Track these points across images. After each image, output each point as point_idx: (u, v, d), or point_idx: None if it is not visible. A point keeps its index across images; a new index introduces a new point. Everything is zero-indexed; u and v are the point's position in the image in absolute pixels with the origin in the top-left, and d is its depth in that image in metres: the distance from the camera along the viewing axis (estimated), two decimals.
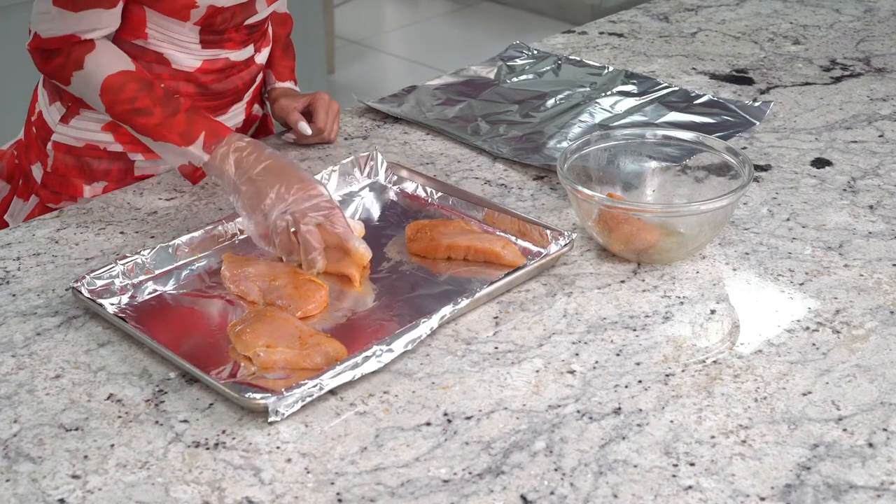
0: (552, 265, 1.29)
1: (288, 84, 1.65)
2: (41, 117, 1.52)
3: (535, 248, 1.32)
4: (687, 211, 1.28)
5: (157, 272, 1.29)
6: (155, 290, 1.26)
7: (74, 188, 1.50)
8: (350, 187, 1.48)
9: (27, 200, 1.56)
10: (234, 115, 1.56)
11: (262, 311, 1.19)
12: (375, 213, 1.43)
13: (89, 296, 1.22)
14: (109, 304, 1.22)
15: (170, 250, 1.30)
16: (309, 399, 1.06)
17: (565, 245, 1.28)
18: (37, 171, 1.53)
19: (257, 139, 1.40)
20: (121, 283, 1.26)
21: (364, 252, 1.27)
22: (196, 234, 1.33)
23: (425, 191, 1.45)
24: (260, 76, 1.59)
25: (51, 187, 1.51)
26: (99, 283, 1.24)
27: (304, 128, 1.57)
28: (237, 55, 1.50)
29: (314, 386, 1.07)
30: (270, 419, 1.04)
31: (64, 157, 1.49)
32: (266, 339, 1.14)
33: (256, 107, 1.64)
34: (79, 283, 1.23)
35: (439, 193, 1.43)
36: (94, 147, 1.48)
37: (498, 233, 1.35)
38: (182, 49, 1.44)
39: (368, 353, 1.10)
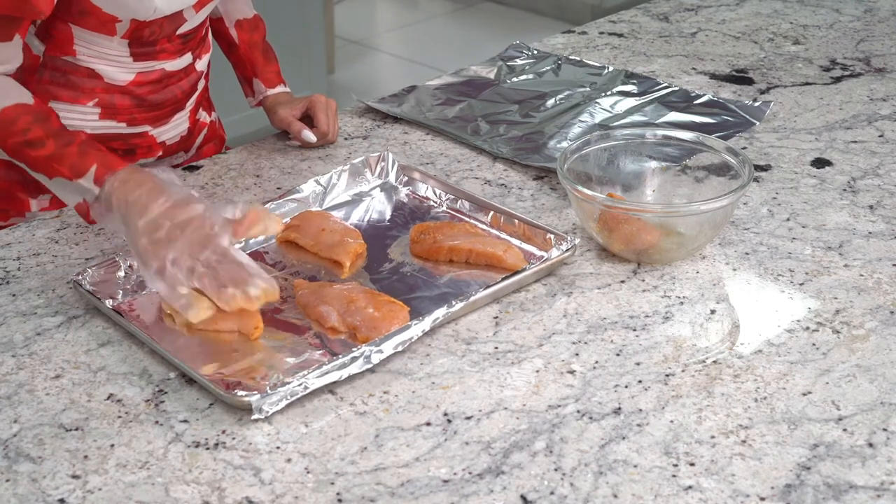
0: (553, 270, 1.29)
1: (279, 89, 1.64)
2: None
3: (538, 252, 1.32)
4: (687, 211, 1.28)
5: None
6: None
7: (21, 203, 1.48)
8: (360, 187, 1.48)
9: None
10: (177, 125, 1.53)
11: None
12: (384, 213, 1.43)
13: (90, 289, 1.22)
14: (110, 299, 1.22)
15: None
16: (294, 398, 1.06)
17: (567, 250, 1.28)
18: None
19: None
20: (123, 277, 1.26)
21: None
22: None
23: (434, 193, 1.45)
24: (202, 83, 1.55)
25: (1, 206, 1.49)
26: (100, 277, 1.25)
27: (309, 136, 1.57)
28: (173, 65, 1.45)
29: (299, 385, 1.07)
30: (254, 417, 1.05)
31: (7, 172, 1.46)
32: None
33: (202, 113, 1.61)
34: (80, 277, 1.23)
35: (448, 196, 1.43)
36: None
37: (503, 236, 1.35)
38: (113, 63, 1.40)
39: (357, 353, 1.10)
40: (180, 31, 1.42)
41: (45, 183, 1.34)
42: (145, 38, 1.39)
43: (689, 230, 1.29)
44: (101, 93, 1.42)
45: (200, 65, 1.52)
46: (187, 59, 1.48)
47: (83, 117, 1.43)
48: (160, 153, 1.53)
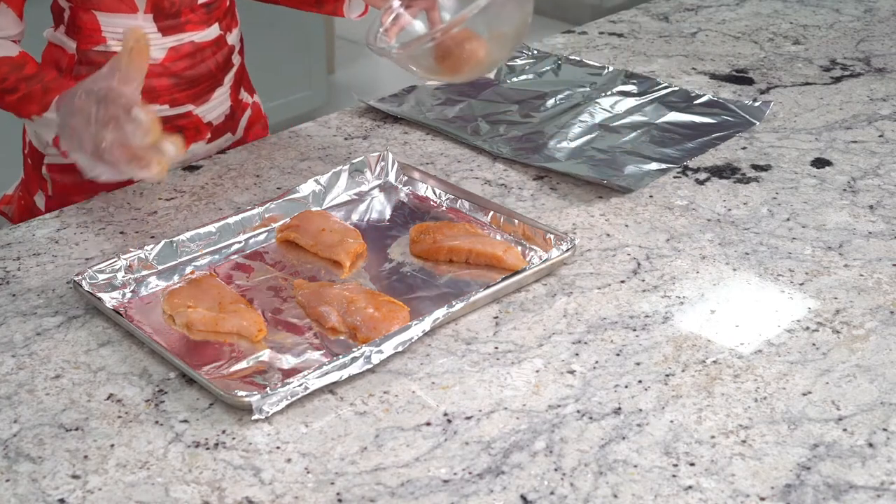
0: (553, 270, 1.29)
1: None
2: (31, 146, 1.52)
3: (539, 252, 1.32)
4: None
5: (160, 268, 1.29)
6: (157, 286, 1.27)
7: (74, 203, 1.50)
8: (360, 187, 1.48)
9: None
10: (220, 103, 1.55)
11: (200, 278, 1.23)
12: (384, 213, 1.43)
13: (90, 290, 1.22)
14: (110, 299, 1.22)
15: (173, 246, 1.31)
16: (294, 398, 1.06)
17: (567, 250, 1.28)
18: (39, 200, 1.53)
19: (255, 138, 1.38)
20: (123, 277, 1.26)
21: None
22: (201, 230, 1.33)
23: (434, 192, 1.45)
24: (237, 59, 1.58)
25: (57, 198, 1.51)
26: (101, 277, 1.25)
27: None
28: (201, 36, 1.48)
29: (299, 385, 1.07)
30: (254, 417, 1.05)
31: (62, 177, 1.48)
32: (190, 301, 1.19)
33: (245, 94, 1.63)
34: (80, 277, 1.23)
35: (448, 195, 1.43)
36: None
37: (502, 236, 1.35)
38: None
39: (357, 353, 1.11)
40: (201, 0, 1.45)
41: (27, 125, 1.40)
42: (167, 10, 1.42)
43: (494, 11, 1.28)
44: None
45: (231, 38, 1.54)
46: (215, 30, 1.50)
47: None
48: (209, 135, 1.55)
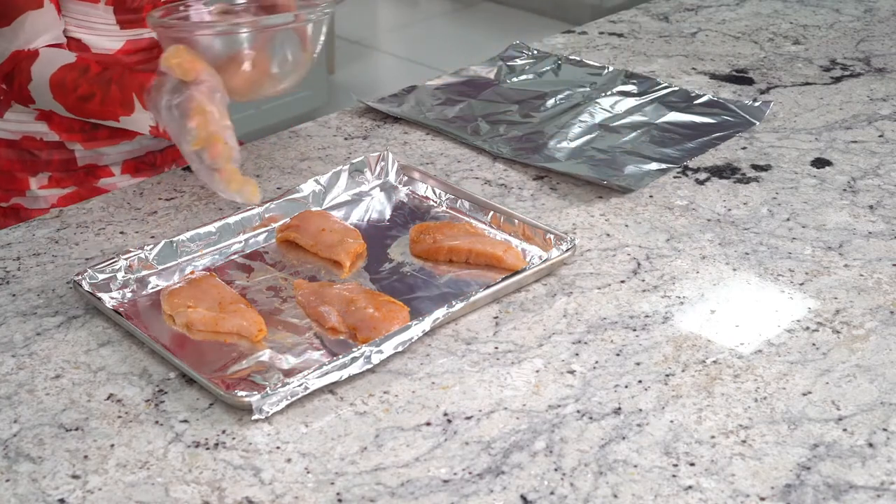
0: (553, 270, 1.29)
1: None
2: None
3: (539, 252, 1.32)
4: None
5: (160, 268, 1.29)
6: (157, 286, 1.27)
7: (20, 182, 1.49)
8: (360, 187, 1.48)
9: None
10: None
11: (200, 278, 1.23)
12: (384, 213, 1.43)
13: (90, 290, 1.22)
14: (109, 299, 1.22)
15: (173, 246, 1.31)
16: (294, 398, 1.06)
17: (567, 250, 1.28)
18: None
19: None
20: (123, 277, 1.26)
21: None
22: (201, 230, 1.33)
23: (434, 192, 1.45)
24: None
25: (1, 186, 1.50)
26: (101, 277, 1.25)
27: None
28: None
29: (299, 385, 1.07)
30: (254, 417, 1.05)
31: (6, 151, 1.48)
32: (190, 301, 1.19)
33: None
34: (80, 277, 1.23)
35: (448, 195, 1.43)
36: (30, 138, 1.47)
37: (503, 236, 1.35)
38: (99, 33, 1.41)
39: (357, 353, 1.11)
40: None
41: (123, 125, 1.38)
42: (128, 4, 1.40)
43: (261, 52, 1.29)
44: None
45: None
46: None
47: None
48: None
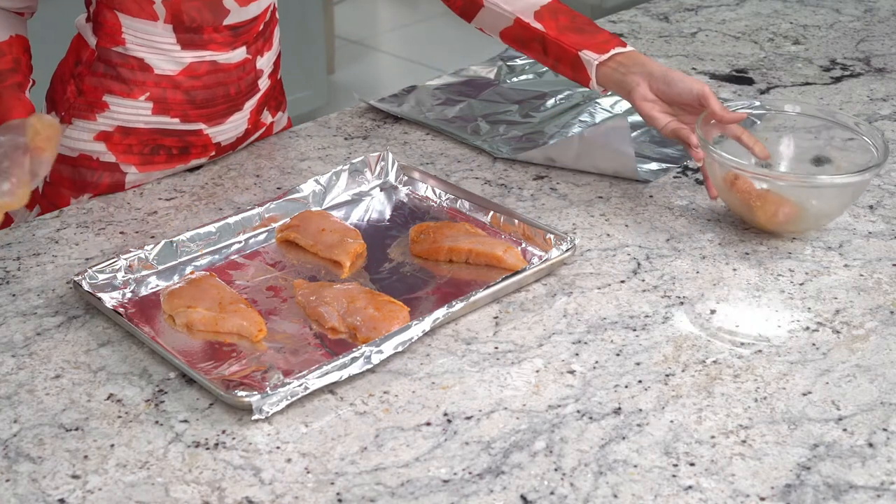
0: (553, 270, 1.29)
1: (613, 53, 1.41)
2: None
3: (538, 252, 1.32)
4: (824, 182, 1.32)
5: (160, 268, 1.29)
6: (157, 286, 1.27)
7: (62, 198, 1.49)
8: (360, 187, 1.48)
9: (31, 210, 1.53)
10: (235, 126, 1.52)
11: (200, 278, 1.23)
12: (384, 213, 1.43)
13: (90, 290, 1.22)
14: (109, 299, 1.22)
15: (173, 246, 1.31)
16: (294, 398, 1.06)
17: (567, 250, 1.28)
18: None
19: None
20: (123, 277, 1.26)
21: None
22: (201, 230, 1.33)
23: (434, 192, 1.45)
24: (265, 82, 1.53)
25: (48, 197, 1.50)
26: (101, 277, 1.25)
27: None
28: (225, 57, 1.44)
29: (299, 385, 1.07)
30: (254, 417, 1.05)
31: (59, 166, 1.47)
32: (190, 301, 1.19)
33: (266, 113, 1.58)
34: (80, 277, 1.23)
35: (448, 195, 1.43)
36: (87, 157, 1.46)
37: (503, 236, 1.35)
38: (161, 53, 1.40)
39: (357, 353, 1.11)
40: (227, 21, 1.42)
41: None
42: (186, 24, 1.40)
43: (822, 202, 1.32)
44: (153, 87, 1.43)
45: (261, 62, 1.50)
46: (241, 53, 1.46)
47: (136, 112, 1.44)
48: (213, 153, 1.53)
